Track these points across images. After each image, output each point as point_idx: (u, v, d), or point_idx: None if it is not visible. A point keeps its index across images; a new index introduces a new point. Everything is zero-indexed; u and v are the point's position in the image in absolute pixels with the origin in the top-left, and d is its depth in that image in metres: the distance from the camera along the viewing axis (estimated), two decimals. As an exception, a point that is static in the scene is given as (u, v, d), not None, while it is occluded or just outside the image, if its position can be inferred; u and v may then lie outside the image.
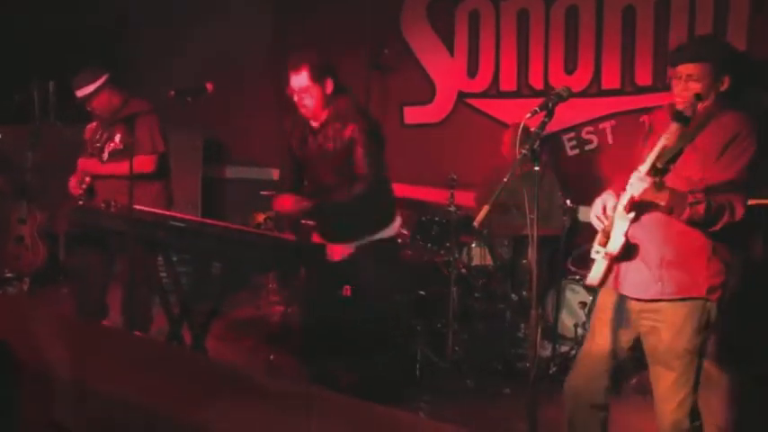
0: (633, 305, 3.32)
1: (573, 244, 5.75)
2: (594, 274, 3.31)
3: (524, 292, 5.50)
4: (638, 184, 3.03)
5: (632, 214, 3.17)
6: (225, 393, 2.54)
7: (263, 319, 6.29)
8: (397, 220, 4.55)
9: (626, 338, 3.39)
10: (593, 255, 3.34)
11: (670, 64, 3.32)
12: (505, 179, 2.92)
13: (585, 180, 6.14)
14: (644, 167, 3.05)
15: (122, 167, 4.82)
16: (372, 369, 4.50)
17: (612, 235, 3.22)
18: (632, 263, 3.26)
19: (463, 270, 5.48)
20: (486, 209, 2.91)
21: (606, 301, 3.44)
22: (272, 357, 5.33)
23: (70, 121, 7.26)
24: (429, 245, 5.58)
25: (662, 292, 3.21)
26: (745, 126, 3.12)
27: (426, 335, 5.20)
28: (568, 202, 5.30)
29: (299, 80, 4.19)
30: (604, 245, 3.25)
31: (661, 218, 3.18)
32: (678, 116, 2.93)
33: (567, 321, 5.52)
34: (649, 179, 3.01)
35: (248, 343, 5.76)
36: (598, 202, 3.34)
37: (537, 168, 2.95)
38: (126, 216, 4.19)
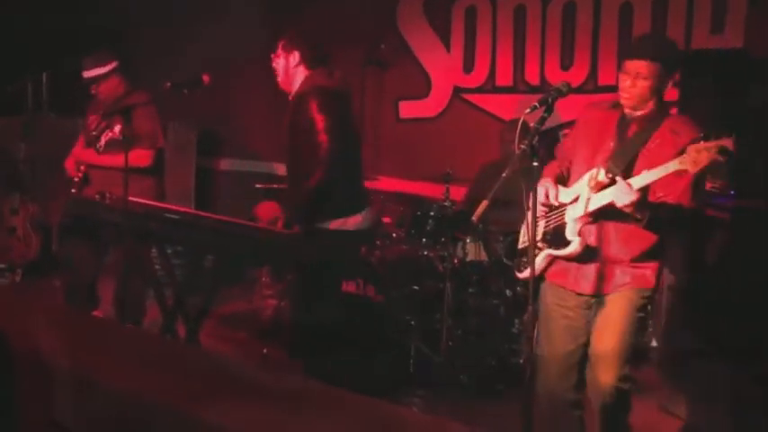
0: (584, 300, 3.41)
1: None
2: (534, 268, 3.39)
3: (518, 288, 5.49)
4: (623, 196, 3.04)
5: (590, 218, 3.28)
6: (224, 388, 2.53)
7: (256, 312, 6.28)
8: (361, 216, 4.21)
9: (581, 332, 3.46)
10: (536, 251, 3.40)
11: (621, 58, 3.35)
12: (505, 174, 2.92)
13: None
14: (636, 183, 3.05)
15: (119, 159, 4.80)
16: (361, 364, 4.48)
17: (568, 234, 3.31)
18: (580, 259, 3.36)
19: (457, 265, 5.46)
20: (485, 204, 2.91)
21: (553, 298, 3.51)
22: (265, 351, 5.32)
23: (63, 112, 7.25)
24: (424, 240, 5.56)
25: (614, 287, 3.33)
26: (698, 129, 3.12)
27: (420, 330, 5.19)
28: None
29: (277, 47, 4.24)
30: (547, 241, 3.39)
31: (616, 220, 3.27)
32: (723, 150, 2.82)
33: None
34: (637, 194, 3.03)
35: (241, 337, 5.75)
36: (540, 190, 3.37)
37: (536, 164, 2.93)
38: (121, 208, 4.17)
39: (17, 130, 7.19)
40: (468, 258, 5.61)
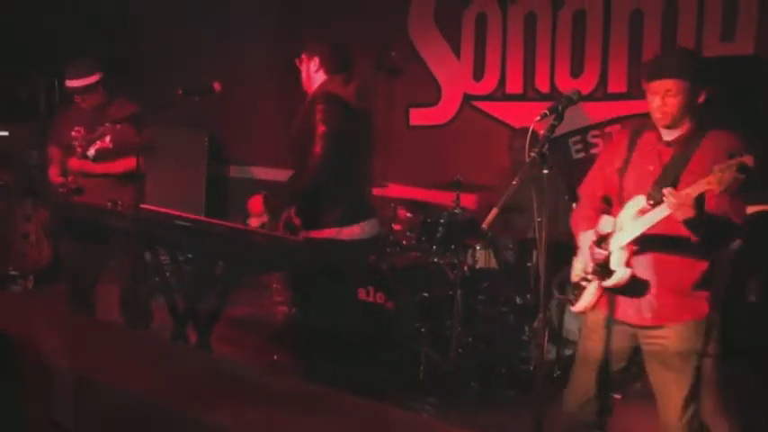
0: (629, 328, 3.33)
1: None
2: (585, 301, 3.35)
3: (528, 296, 5.50)
4: (683, 209, 2.98)
5: (635, 247, 3.20)
6: (231, 393, 2.54)
7: (267, 319, 6.29)
8: (359, 227, 4.18)
9: (618, 358, 3.40)
10: (582, 283, 3.36)
11: (645, 78, 3.29)
12: (515, 182, 2.92)
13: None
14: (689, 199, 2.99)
15: (114, 167, 4.93)
16: (370, 370, 4.49)
17: (613, 265, 3.23)
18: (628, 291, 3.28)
19: (467, 272, 5.47)
20: (495, 211, 2.91)
21: (594, 318, 3.44)
22: (275, 357, 5.33)
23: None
24: (434, 247, 5.57)
25: (665, 317, 3.24)
26: (740, 142, 3.09)
27: (430, 337, 5.19)
28: (574, 205, 5.28)
29: (302, 52, 4.32)
30: (596, 273, 3.30)
31: (664, 249, 3.20)
32: (742, 168, 2.81)
33: (570, 325, 5.52)
34: (693, 208, 2.96)
35: (252, 343, 5.76)
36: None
37: (546, 172, 2.93)
38: (133, 215, 4.20)
39: (30, 137, 7.22)
40: (479, 266, 5.62)
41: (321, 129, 3.99)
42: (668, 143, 3.25)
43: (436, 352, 5.14)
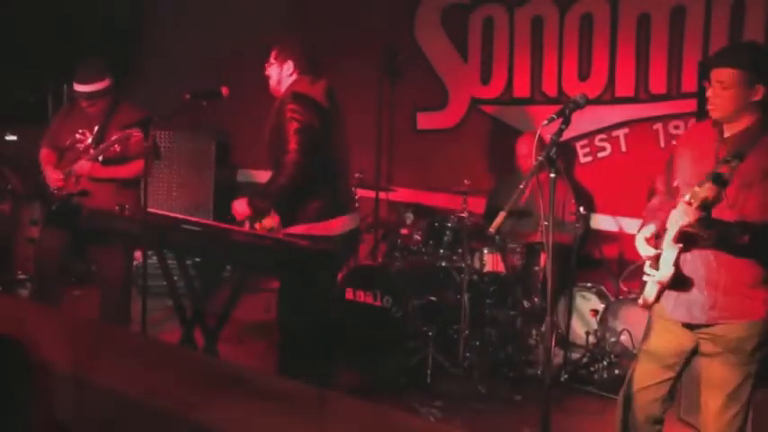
0: (684, 327, 3.27)
1: (585, 251, 5.76)
2: (647, 296, 3.31)
3: (536, 299, 5.49)
4: (683, 216, 2.95)
5: (680, 244, 3.12)
6: (236, 395, 2.54)
7: (274, 322, 6.27)
8: (336, 222, 4.28)
9: (676, 356, 3.35)
10: (644, 277, 3.32)
11: (707, 67, 3.23)
12: (522, 186, 2.92)
13: (598, 188, 6.14)
14: (695, 203, 2.92)
15: (122, 171, 5.06)
16: (378, 373, 4.50)
17: (662, 263, 3.18)
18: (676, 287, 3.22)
19: (475, 276, 5.47)
20: (502, 215, 2.91)
21: (656, 317, 3.40)
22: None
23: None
24: (441, 251, 5.57)
25: (718, 316, 3.16)
26: None
27: (438, 340, 5.19)
28: (581, 209, 5.28)
29: (270, 56, 4.45)
30: (656, 269, 3.24)
31: (711, 247, 3.12)
32: (716, 179, 2.80)
33: (578, 329, 5.51)
34: (696, 213, 2.91)
35: (259, 346, 5.76)
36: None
37: (553, 175, 2.93)
38: (141, 219, 4.21)
39: (38, 141, 7.24)
40: (486, 269, 5.61)
41: (294, 126, 4.11)
42: (726, 139, 3.15)
43: (443, 355, 5.14)
